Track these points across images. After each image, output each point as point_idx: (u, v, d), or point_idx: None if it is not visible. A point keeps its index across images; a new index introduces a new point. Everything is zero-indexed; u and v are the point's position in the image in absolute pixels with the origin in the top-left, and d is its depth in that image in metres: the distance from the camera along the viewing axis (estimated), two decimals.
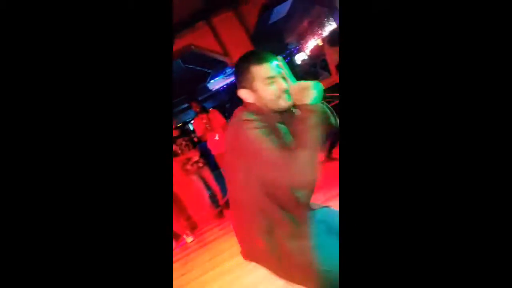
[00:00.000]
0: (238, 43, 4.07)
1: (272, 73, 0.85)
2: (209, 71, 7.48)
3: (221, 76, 7.70)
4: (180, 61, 5.35)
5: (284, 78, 0.86)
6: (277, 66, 0.86)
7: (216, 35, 4.12)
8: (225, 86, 7.94)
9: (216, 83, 7.95)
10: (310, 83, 0.81)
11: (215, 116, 3.57)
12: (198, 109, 3.63)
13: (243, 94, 0.89)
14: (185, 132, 3.86)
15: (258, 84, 0.86)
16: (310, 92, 0.80)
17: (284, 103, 0.85)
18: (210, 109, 3.65)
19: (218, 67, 7.13)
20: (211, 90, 8.26)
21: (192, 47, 4.19)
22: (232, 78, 7.28)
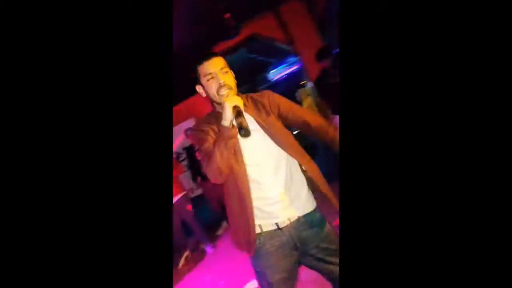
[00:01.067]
0: (304, 32, 3.95)
1: (210, 70, 1.00)
2: (271, 60, 7.43)
3: (282, 66, 7.59)
4: (244, 50, 5.42)
5: (226, 72, 1.01)
6: (216, 62, 1.01)
7: (283, 24, 4.04)
8: (285, 76, 7.82)
9: (277, 73, 7.88)
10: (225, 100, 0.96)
11: None
12: None
13: (199, 89, 1.07)
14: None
15: (203, 81, 1.03)
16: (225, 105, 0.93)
17: (222, 96, 1.00)
18: None
19: (279, 57, 7.04)
20: (270, 80, 8.24)
21: (257, 36, 4.19)
22: (292, 68, 7.12)
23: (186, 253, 3.32)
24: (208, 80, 1.01)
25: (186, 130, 3.57)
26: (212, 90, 1.01)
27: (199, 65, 1.02)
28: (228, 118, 0.92)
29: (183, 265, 3.22)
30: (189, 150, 3.76)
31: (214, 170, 0.96)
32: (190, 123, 4.36)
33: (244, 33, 4.02)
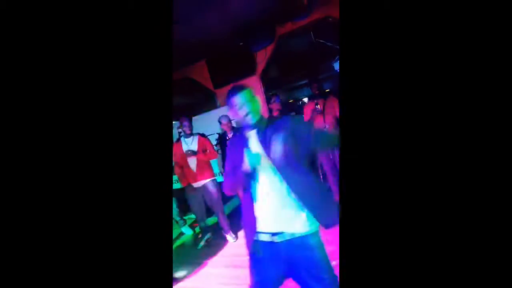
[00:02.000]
0: None
1: (241, 101, 1.20)
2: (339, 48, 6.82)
3: None
4: (311, 33, 5.00)
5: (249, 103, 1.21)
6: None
7: None
8: None
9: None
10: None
11: (332, 105, 3.15)
12: (317, 92, 3.28)
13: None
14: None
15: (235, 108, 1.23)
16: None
17: (249, 120, 1.20)
18: (330, 96, 3.24)
19: None
20: (336, 70, 7.64)
21: (329, 19, 3.74)
22: None
23: (208, 235, 3.25)
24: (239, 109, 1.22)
25: (221, 118, 3.37)
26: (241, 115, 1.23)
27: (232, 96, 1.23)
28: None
29: (204, 246, 3.16)
30: (222, 137, 3.59)
31: (228, 188, 1.28)
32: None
33: (315, 15, 3.61)
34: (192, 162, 3.12)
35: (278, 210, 1.14)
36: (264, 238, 1.16)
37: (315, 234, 1.15)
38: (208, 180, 3.17)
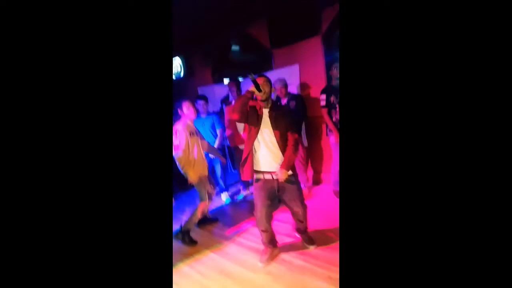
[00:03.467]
0: None
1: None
2: None
3: None
4: None
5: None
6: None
7: None
8: None
9: None
10: None
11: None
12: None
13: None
14: None
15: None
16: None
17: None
18: None
19: None
20: None
21: None
22: None
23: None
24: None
25: (276, 82, 3.18)
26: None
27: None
28: None
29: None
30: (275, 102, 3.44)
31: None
32: (294, 68, 3.90)
33: None
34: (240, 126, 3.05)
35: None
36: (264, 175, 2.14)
37: (294, 175, 2.15)
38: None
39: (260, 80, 2.00)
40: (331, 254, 2.19)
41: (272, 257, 2.24)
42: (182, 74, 5.52)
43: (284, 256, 2.27)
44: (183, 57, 5.44)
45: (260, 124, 2.04)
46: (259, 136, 2.05)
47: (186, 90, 5.57)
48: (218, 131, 3.50)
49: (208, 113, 3.55)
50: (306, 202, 2.27)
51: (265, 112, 2.07)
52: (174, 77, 5.59)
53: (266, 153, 2.06)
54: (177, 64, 5.53)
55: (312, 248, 2.31)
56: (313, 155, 4.00)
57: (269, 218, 2.17)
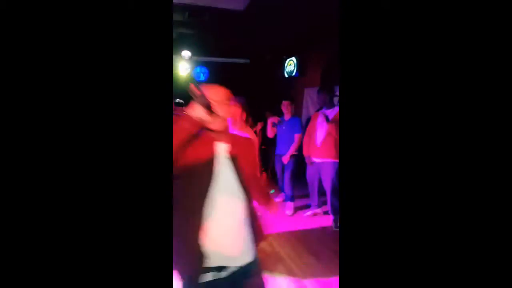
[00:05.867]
0: None
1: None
2: None
3: None
4: None
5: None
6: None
7: None
8: None
9: None
10: None
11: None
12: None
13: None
14: None
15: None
16: None
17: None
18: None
19: None
20: None
21: None
22: None
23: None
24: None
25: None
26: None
27: None
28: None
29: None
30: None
31: None
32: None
33: None
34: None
35: None
36: None
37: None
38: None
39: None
40: None
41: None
42: (294, 73, 5.80)
43: None
44: (297, 57, 5.69)
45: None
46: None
47: (293, 89, 5.86)
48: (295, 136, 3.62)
49: (293, 116, 3.68)
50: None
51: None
52: (286, 75, 5.94)
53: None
54: (292, 63, 5.83)
55: None
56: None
57: None
